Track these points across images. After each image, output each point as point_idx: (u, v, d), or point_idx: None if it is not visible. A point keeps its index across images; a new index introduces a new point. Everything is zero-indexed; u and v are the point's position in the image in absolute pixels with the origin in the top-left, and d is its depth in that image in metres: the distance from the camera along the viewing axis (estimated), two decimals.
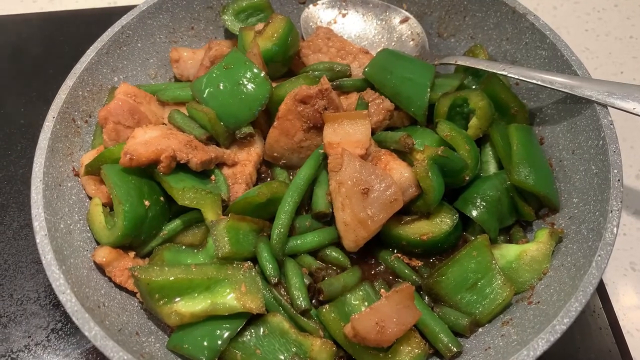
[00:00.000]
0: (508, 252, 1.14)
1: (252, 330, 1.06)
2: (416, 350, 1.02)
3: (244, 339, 1.06)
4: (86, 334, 0.94)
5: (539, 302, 1.06)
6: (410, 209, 1.17)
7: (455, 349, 1.04)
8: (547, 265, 1.11)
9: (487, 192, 1.18)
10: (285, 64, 1.38)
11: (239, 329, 1.04)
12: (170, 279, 1.03)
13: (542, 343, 0.91)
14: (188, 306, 1.04)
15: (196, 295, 1.05)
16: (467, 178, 1.17)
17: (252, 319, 1.07)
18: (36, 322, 1.24)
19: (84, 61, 1.30)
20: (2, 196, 1.44)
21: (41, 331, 1.23)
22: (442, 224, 1.15)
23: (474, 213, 1.15)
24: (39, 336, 1.22)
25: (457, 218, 1.15)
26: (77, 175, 1.23)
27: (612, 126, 1.13)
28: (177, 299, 1.04)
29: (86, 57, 1.31)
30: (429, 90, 1.24)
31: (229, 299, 1.04)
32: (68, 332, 1.23)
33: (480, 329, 1.10)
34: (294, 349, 1.04)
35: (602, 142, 1.13)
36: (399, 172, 1.13)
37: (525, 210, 1.19)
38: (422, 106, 1.24)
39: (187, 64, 1.44)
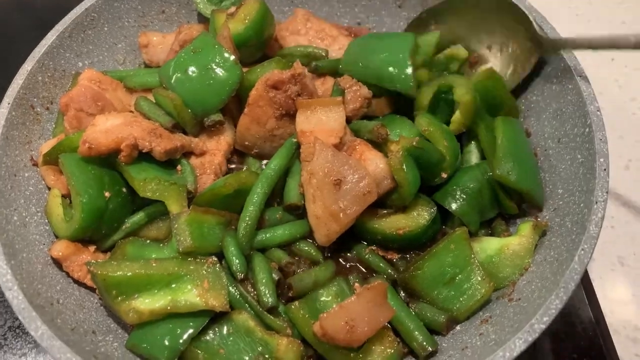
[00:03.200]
0: (489, 245, 1.09)
1: (216, 329, 1.00)
2: (389, 350, 0.97)
3: (207, 337, 1.00)
4: (32, 333, 0.89)
5: (519, 299, 1.00)
6: (385, 202, 1.11)
7: (430, 347, 0.98)
8: (529, 260, 1.05)
9: (468, 184, 1.11)
10: (259, 48, 1.31)
11: (201, 328, 0.98)
12: (128, 274, 0.98)
13: (520, 343, 0.86)
14: (147, 303, 0.98)
15: (156, 291, 0.99)
16: (445, 175, 1.10)
17: (216, 317, 1.01)
18: None
19: (44, 44, 1.23)
20: None
21: None
22: (419, 217, 1.09)
23: (454, 206, 1.09)
24: None
25: (435, 211, 1.09)
26: (35, 165, 1.17)
27: (599, 113, 1.07)
28: (136, 296, 0.98)
29: (46, 40, 1.24)
30: (409, 62, 1.16)
31: (191, 295, 0.99)
32: (26, 331, 1.16)
33: (457, 327, 1.04)
34: (259, 349, 0.98)
35: (588, 130, 1.07)
36: (374, 163, 1.07)
37: (507, 203, 1.13)
38: (407, 80, 1.16)
39: (156, 49, 1.37)
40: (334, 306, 0.94)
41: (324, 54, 1.29)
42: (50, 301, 0.99)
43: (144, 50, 1.37)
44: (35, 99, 1.21)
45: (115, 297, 0.97)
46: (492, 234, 1.16)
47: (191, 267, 1.01)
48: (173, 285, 0.99)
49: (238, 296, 1.04)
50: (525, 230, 1.08)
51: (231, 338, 1.00)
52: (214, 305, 0.98)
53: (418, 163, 1.07)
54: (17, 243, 1.02)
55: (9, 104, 1.14)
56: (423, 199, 1.11)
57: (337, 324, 0.92)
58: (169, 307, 0.97)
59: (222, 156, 1.20)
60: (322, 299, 1.02)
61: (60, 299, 1.02)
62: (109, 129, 1.10)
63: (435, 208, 1.09)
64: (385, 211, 1.11)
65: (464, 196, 1.10)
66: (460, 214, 1.09)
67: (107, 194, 1.07)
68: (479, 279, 1.02)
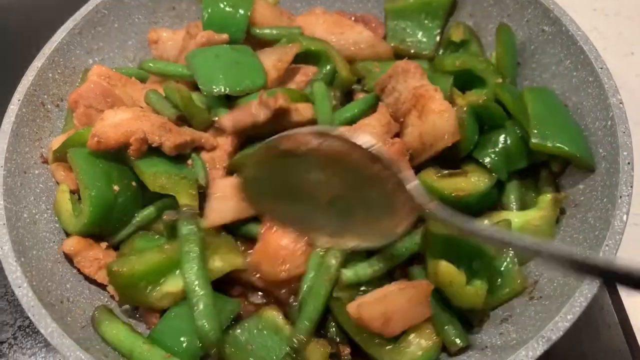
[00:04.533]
0: (516, 219, 1.06)
1: (245, 325, 0.99)
2: (428, 342, 0.94)
3: (236, 332, 0.98)
4: (42, 331, 0.87)
5: (541, 297, 0.97)
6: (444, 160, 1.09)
7: (461, 343, 0.94)
8: (551, 237, 1.03)
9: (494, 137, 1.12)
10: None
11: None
12: (152, 263, 0.97)
13: (543, 342, 0.82)
14: (175, 284, 0.98)
15: (179, 272, 0.99)
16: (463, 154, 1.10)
17: (247, 314, 1.01)
18: (2, 319, 1.17)
19: (54, 41, 1.22)
20: None
21: (7, 328, 1.16)
22: (479, 182, 1.06)
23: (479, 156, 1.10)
24: (4, 334, 1.15)
25: (495, 179, 1.07)
26: (45, 162, 1.15)
27: (621, 105, 1.04)
28: (162, 281, 0.98)
29: (56, 37, 1.23)
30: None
31: (215, 263, 0.99)
32: (36, 330, 1.14)
33: (477, 327, 1.01)
34: (287, 349, 0.95)
35: (610, 123, 1.04)
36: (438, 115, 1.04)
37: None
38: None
39: (166, 45, 1.35)
40: (375, 293, 0.93)
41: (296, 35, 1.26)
42: (60, 299, 0.97)
43: (154, 46, 1.36)
44: (45, 96, 1.20)
45: (145, 288, 0.97)
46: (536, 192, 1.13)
47: (205, 239, 1.01)
48: None
49: None
50: (544, 203, 1.05)
51: (260, 335, 0.98)
52: (237, 264, 1.00)
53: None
54: (27, 240, 1.01)
55: (19, 100, 1.13)
56: (483, 166, 1.09)
57: (374, 312, 0.90)
58: None
59: (233, 151, 1.18)
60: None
61: (70, 297, 1.00)
62: (118, 123, 1.08)
63: (495, 176, 1.08)
64: (446, 172, 1.08)
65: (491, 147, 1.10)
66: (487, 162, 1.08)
67: (116, 188, 1.05)
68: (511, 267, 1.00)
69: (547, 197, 1.06)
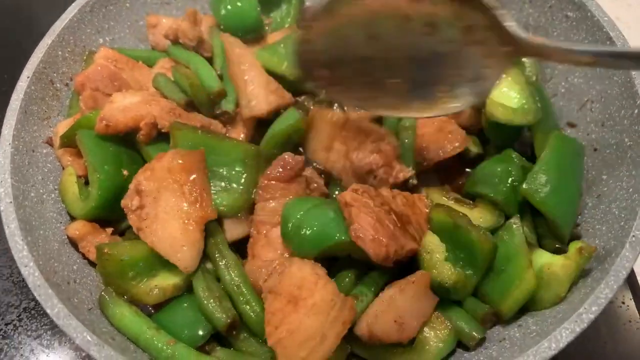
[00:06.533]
0: (536, 259, 0.95)
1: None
2: (444, 332, 0.91)
3: None
4: (48, 311, 0.84)
5: None
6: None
7: (478, 335, 0.91)
8: (565, 290, 0.91)
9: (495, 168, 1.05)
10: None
11: None
12: (144, 253, 0.94)
13: (567, 334, 0.79)
14: (168, 278, 0.95)
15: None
16: None
17: None
18: (7, 300, 1.15)
19: (65, 18, 1.19)
20: None
21: (12, 310, 1.14)
22: (482, 219, 1.02)
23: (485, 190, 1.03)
24: (9, 315, 1.13)
25: (502, 220, 1.01)
26: (50, 144, 1.13)
27: None
28: (154, 273, 0.95)
29: (67, 14, 1.20)
30: None
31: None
32: (41, 312, 1.14)
33: None
34: None
35: (637, 111, 1.00)
36: None
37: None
38: None
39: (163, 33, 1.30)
40: (377, 305, 0.88)
41: None
42: (66, 280, 0.95)
43: (151, 31, 1.30)
44: (54, 74, 1.17)
45: (132, 279, 0.94)
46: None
47: None
48: None
49: None
50: (571, 251, 0.93)
51: None
52: None
53: None
54: (34, 220, 0.98)
55: (28, 77, 1.10)
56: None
57: (385, 324, 0.86)
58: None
59: (243, 139, 1.15)
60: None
61: (76, 278, 0.98)
62: (127, 106, 1.06)
63: (501, 217, 1.01)
64: (452, 198, 1.06)
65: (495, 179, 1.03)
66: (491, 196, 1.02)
67: (125, 172, 1.03)
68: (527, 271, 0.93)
69: (574, 245, 0.93)
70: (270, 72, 1.13)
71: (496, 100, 1.06)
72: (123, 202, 0.97)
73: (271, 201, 0.98)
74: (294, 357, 0.79)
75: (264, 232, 0.96)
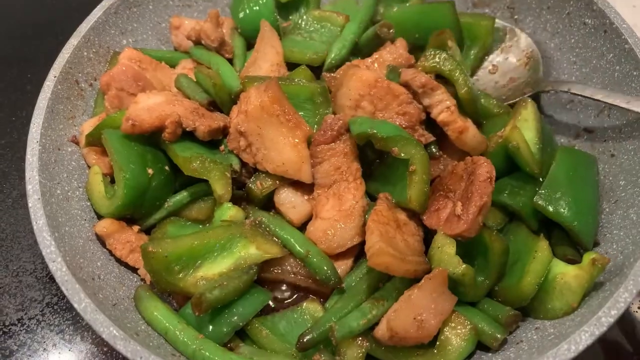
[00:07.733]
0: (550, 268, 0.95)
1: (287, 313, 1.01)
2: (464, 330, 0.91)
3: (275, 318, 1.00)
4: (75, 305, 0.86)
5: None
6: None
7: (500, 335, 0.91)
8: (577, 300, 0.91)
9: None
10: None
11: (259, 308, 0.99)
12: (188, 246, 0.97)
13: (586, 336, 0.80)
14: (212, 268, 0.98)
15: (216, 255, 0.99)
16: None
17: (288, 304, 1.04)
18: (31, 295, 1.17)
19: (90, 20, 1.22)
20: (4, 163, 1.37)
21: (36, 304, 1.16)
22: None
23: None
24: (33, 310, 1.15)
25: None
26: (75, 142, 1.15)
27: None
28: (198, 265, 0.98)
29: (92, 16, 1.23)
30: None
31: (251, 250, 1.01)
32: (64, 307, 1.15)
33: None
34: None
35: None
36: None
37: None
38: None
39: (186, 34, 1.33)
40: (395, 305, 0.89)
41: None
42: (92, 276, 0.96)
43: (174, 32, 1.33)
44: (80, 74, 1.20)
45: (178, 272, 0.97)
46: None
47: (242, 229, 1.02)
48: (231, 246, 1.00)
49: None
50: (585, 262, 0.93)
51: (297, 325, 0.98)
52: (274, 252, 1.00)
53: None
54: (60, 216, 1.01)
55: (54, 77, 1.12)
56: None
57: (405, 321, 0.86)
58: (233, 267, 0.98)
59: None
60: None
61: (101, 274, 1.00)
62: (152, 106, 1.08)
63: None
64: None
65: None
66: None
67: (150, 171, 1.05)
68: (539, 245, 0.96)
69: (588, 256, 0.92)
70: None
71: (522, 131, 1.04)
72: (230, 146, 1.09)
73: (323, 163, 1.04)
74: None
75: (323, 193, 1.04)
